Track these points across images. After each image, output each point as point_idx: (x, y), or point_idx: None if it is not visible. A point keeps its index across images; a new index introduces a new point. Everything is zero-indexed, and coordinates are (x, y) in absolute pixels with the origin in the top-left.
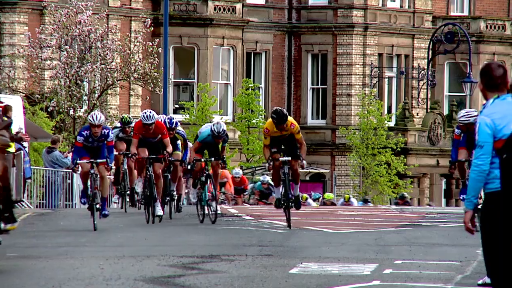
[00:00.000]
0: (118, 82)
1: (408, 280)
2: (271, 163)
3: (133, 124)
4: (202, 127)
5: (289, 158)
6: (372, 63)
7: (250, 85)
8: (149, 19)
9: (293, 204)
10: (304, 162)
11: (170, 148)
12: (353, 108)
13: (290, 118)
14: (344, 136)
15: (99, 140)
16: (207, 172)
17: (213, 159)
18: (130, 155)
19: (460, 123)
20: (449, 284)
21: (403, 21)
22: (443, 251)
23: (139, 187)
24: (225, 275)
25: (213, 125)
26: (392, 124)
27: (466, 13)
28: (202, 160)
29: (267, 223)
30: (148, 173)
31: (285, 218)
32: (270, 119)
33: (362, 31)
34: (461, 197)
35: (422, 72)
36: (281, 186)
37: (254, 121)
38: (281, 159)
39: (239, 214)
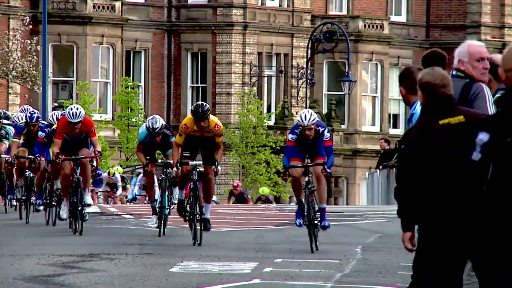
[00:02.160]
0: None
1: (288, 278)
2: (179, 169)
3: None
4: (141, 126)
5: (200, 163)
6: (251, 62)
7: (129, 83)
8: (28, 17)
9: (198, 223)
10: (219, 167)
11: (99, 148)
12: (233, 107)
13: (215, 118)
14: (224, 135)
15: None
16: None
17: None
18: (53, 157)
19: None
20: (329, 282)
21: (282, 20)
22: (323, 249)
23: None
24: (105, 274)
25: (148, 121)
26: (271, 123)
27: (344, 12)
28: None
29: (146, 222)
30: (76, 176)
31: (191, 231)
32: (189, 115)
33: (241, 30)
34: (297, 222)
35: (301, 71)
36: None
37: (133, 119)
38: (191, 163)
39: (119, 213)
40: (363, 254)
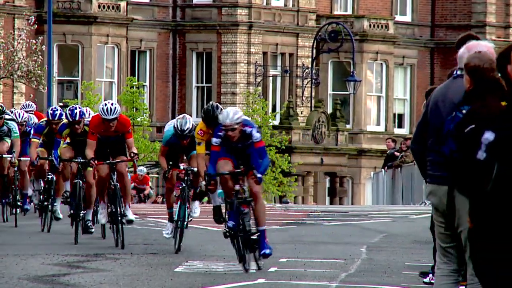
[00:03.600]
0: (1, 79)
1: (293, 278)
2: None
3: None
4: (167, 124)
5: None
6: (256, 62)
7: (134, 83)
8: (33, 17)
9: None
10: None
11: (135, 149)
12: (238, 107)
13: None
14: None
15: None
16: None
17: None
18: (87, 161)
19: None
20: (334, 282)
21: (287, 19)
22: (328, 249)
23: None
24: (110, 274)
25: (177, 120)
26: (276, 122)
27: (349, 12)
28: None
29: (152, 222)
30: (113, 183)
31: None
32: (201, 121)
33: (246, 30)
34: (229, 224)
35: (306, 70)
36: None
37: (138, 119)
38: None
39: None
40: (368, 254)
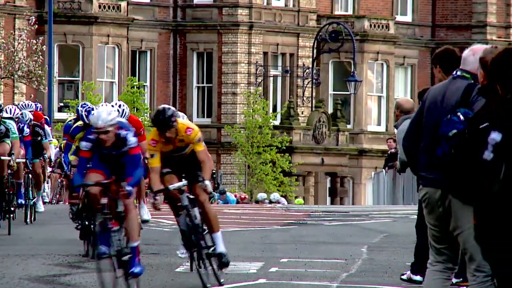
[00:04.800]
0: (2, 80)
1: (294, 278)
2: (157, 197)
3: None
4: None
5: (185, 183)
6: (257, 62)
7: (135, 83)
8: (33, 17)
9: (210, 260)
10: (207, 183)
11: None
12: (239, 107)
13: (185, 121)
14: (230, 134)
15: None
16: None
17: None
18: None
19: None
20: (335, 282)
21: (288, 20)
22: (329, 249)
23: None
24: (111, 274)
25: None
26: (277, 122)
27: (350, 12)
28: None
29: (153, 222)
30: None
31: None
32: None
33: (247, 30)
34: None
35: (307, 71)
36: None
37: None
38: (171, 187)
39: None
40: (369, 254)
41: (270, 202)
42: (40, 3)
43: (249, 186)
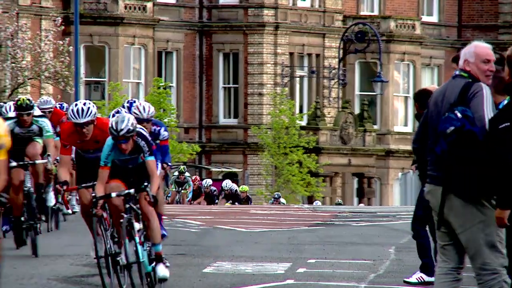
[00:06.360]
0: (29, 81)
1: (321, 279)
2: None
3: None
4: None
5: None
6: (283, 63)
7: (161, 84)
8: (60, 18)
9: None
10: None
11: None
12: (265, 107)
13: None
14: (256, 135)
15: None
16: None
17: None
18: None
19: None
20: (362, 283)
21: (314, 20)
22: (356, 250)
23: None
24: (138, 275)
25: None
26: (303, 123)
27: (376, 12)
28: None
29: (180, 222)
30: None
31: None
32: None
33: (273, 30)
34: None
35: (333, 71)
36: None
37: (165, 120)
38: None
39: None
40: (397, 254)
41: (275, 199)
42: (66, 4)
43: (276, 187)
